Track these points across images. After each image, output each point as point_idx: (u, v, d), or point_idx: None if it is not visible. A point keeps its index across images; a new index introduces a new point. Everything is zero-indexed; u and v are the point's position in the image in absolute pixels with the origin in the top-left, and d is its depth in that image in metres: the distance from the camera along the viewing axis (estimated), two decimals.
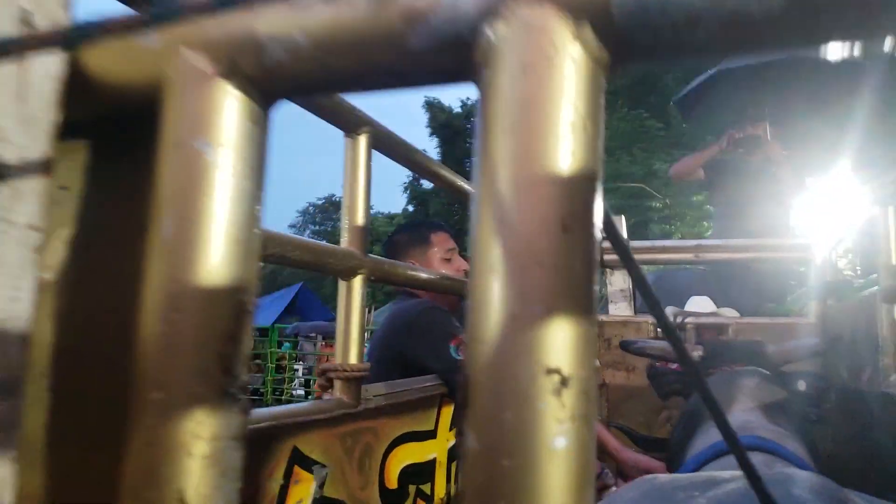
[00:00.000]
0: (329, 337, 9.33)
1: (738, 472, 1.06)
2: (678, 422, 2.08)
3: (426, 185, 25.09)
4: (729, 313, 3.48)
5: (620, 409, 3.23)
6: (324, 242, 1.35)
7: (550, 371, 0.33)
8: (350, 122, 1.40)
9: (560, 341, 0.33)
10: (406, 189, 25.57)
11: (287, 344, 11.12)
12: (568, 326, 0.33)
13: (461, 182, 1.95)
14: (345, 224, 1.44)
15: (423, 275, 1.75)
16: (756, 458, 1.32)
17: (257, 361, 10.49)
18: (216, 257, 0.41)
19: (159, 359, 0.40)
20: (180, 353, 0.40)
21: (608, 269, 3.43)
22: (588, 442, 0.34)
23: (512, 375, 0.33)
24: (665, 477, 1.08)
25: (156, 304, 0.41)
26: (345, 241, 1.43)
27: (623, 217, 3.48)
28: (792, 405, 1.78)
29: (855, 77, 4.41)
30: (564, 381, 0.33)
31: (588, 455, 0.34)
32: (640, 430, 3.23)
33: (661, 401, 2.60)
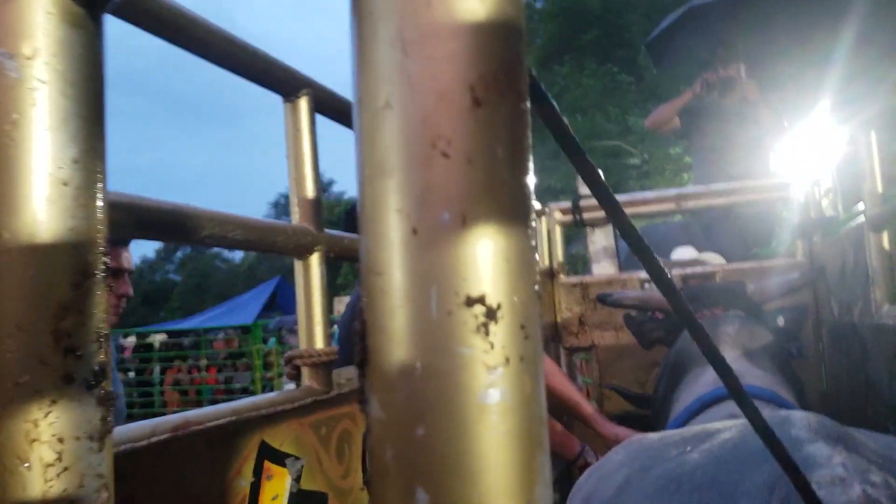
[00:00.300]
0: None
1: (728, 423, 0.99)
2: (660, 376, 2.02)
3: None
4: (715, 259, 3.42)
5: (612, 369, 3.17)
6: (271, 219, 1.24)
7: (471, 301, 0.24)
8: (288, 85, 1.29)
9: (481, 260, 0.24)
10: None
11: (272, 339, 10.98)
12: (490, 239, 0.24)
13: None
14: (293, 198, 1.34)
15: None
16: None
17: (244, 360, 10.35)
18: (36, 205, 0.31)
19: None
20: None
21: (589, 228, 3.35)
22: (533, 391, 0.25)
23: (419, 313, 0.24)
24: (654, 435, 1.01)
25: None
26: (295, 217, 1.33)
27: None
28: (774, 346, 1.71)
29: (832, 12, 4.32)
30: (491, 314, 0.24)
31: (534, 409, 0.25)
32: (633, 388, 3.17)
33: (646, 350, 2.53)
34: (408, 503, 0.23)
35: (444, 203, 0.24)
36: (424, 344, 0.24)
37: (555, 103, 0.35)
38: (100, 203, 0.33)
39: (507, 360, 0.24)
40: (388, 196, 0.24)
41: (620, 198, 3.35)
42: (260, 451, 1.13)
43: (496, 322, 0.24)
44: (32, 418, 0.29)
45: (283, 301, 14.44)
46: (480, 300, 0.24)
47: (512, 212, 0.25)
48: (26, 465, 0.29)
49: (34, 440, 0.29)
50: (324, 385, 1.31)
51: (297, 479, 1.23)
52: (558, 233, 3.27)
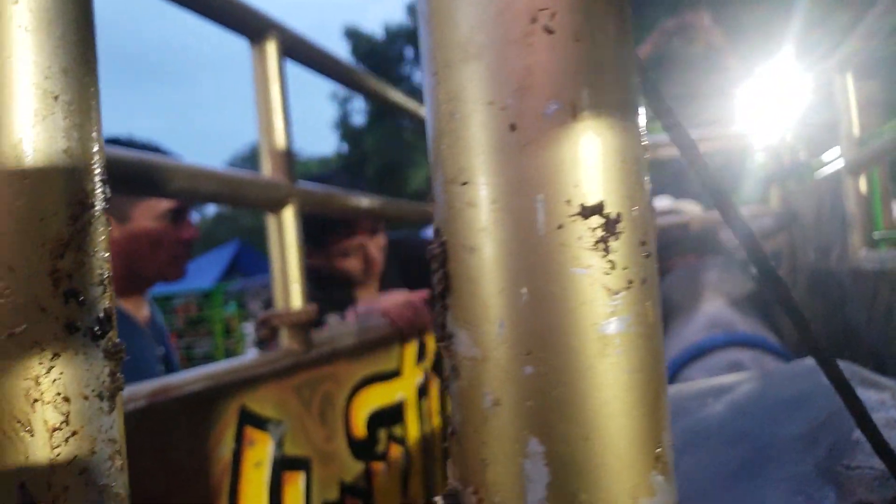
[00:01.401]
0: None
1: (741, 376, 0.98)
2: None
3: (358, 121, 24.37)
4: (691, 207, 3.44)
5: None
6: (242, 171, 1.16)
7: (587, 211, 0.20)
8: (254, 28, 1.20)
9: (596, 160, 0.20)
10: (337, 127, 24.63)
11: (233, 303, 10.79)
12: (604, 134, 0.20)
13: (390, 91, 1.77)
14: (263, 149, 1.26)
15: (365, 202, 1.58)
16: (745, 355, 1.25)
17: (204, 325, 10.17)
18: (22, 120, 0.26)
19: None
20: None
21: None
22: (656, 320, 0.21)
23: (522, 228, 0.20)
24: (669, 389, 0.99)
25: None
26: (266, 169, 1.25)
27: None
28: (755, 292, 1.72)
29: None
30: (611, 226, 0.20)
31: (657, 341, 0.21)
32: None
33: None
34: (518, 456, 0.19)
35: (549, 90, 0.19)
36: (530, 265, 0.19)
37: None
38: (95, 122, 0.28)
39: (630, 282, 0.20)
40: (475, 85, 0.20)
41: None
42: (241, 417, 1.09)
43: (616, 237, 0.20)
44: (33, 375, 0.24)
45: (244, 264, 14.15)
46: (597, 210, 0.20)
47: (625, 102, 0.20)
48: (28, 429, 0.24)
49: (36, 400, 0.24)
50: (303, 346, 1.26)
51: (279, 445, 1.19)
52: None
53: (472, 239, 0.20)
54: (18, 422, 0.25)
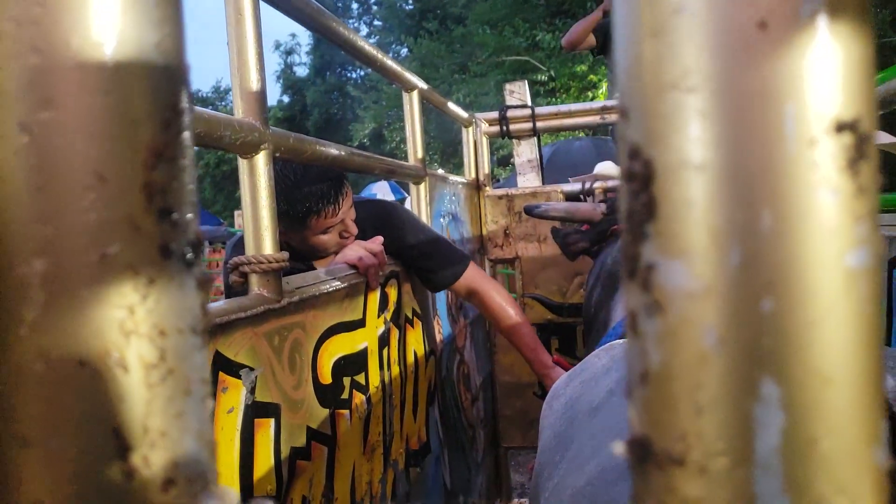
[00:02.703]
0: (216, 241, 8.84)
1: None
2: (594, 283, 2.04)
3: (300, 72, 23.70)
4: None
5: (535, 280, 3.21)
6: (215, 112, 1.10)
7: (842, 126, 0.17)
8: None
9: (852, 69, 0.17)
10: (279, 78, 23.94)
11: None
12: (860, 41, 0.18)
13: (360, 40, 1.70)
14: (236, 90, 1.20)
15: (334, 151, 1.53)
16: None
17: None
18: (112, 6, 0.22)
19: (30, 204, 0.22)
20: (69, 185, 0.21)
21: (515, 140, 3.31)
22: (884, 254, 0.19)
23: (767, 142, 0.17)
24: None
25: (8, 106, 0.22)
26: (239, 112, 1.19)
27: (526, 83, 3.33)
28: None
29: None
30: (862, 146, 0.17)
31: (879, 279, 0.19)
32: (555, 298, 3.23)
33: (571, 261, 2.56)
34: (747, 399, 0.17)
35: None
36: (774, 185, 0.17)
37: None
38: (182, 17, 0.24)
39: (872, 211, 0.18)
40: None
41: (547, 109, 3.31)
42: (214, 362, 1.05)
43: (865, 159, 0.17)
44: (127, 303, 0.21)
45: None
46: (853, 126, 0.17)
47: (866, 7, 0.18)
48: (122, 367, 0.21)
49: (131, 332, 0.21)
50: (274, 293, 1.22)
51: (251, 391, 1.16)
52: (485, 144, 3.20)
53: (699, 154, 0.17)
54: (111, 357, 0.21)
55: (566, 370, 1.49)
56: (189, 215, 0.24)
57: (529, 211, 2.51)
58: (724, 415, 0.17)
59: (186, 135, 0.24)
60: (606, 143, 5.26)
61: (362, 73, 21.22)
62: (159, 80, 0.23)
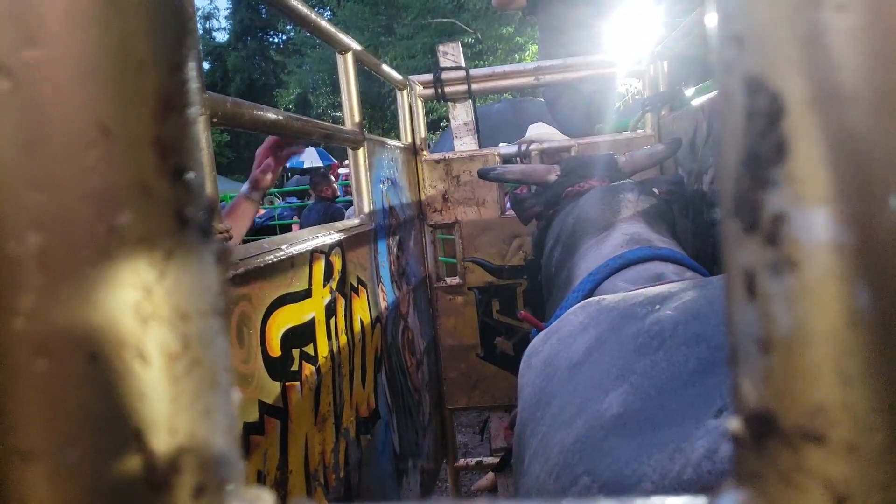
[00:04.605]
0: None
1: (683, 285, 1.00)
2: (553, 244, 2.04)
3: (220, 38, 22.87)
4: (555, 134, 3.51)
5: (474, 243, 3.21)
6: None
7: None
8: None
9: None
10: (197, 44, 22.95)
11: None
12: None
13: (292, 1, 1.62)
14: None
15: (272, 115, 1.46)
16: (668, 268, 1.28)
17: None
18: None
19: (17, 165, 0.17)
20: (66, 142, 0.18)
21: (451, 103, 3.26)
22: None
23: None
24: (613, 297, 0.99)
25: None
26: None
27: (459, 44, 3.28)
28: (666, 211, 1.77)
29: None
30: None
31: None
32: (495, 261, 3.24)
33: (524, 224, 2.57)
34: (848, 301, 0.15)
35: None
36: None
37: None
38: None
39: None
40: None
41: (481, 71, 3.28)
42: None
43: None
44: (142, 283, 0.17)
45: None
46: None
47: None
48: (141, 359, 0.17)
49: (148, 317, 0.17)
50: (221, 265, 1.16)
51: None
52: (420, 107, 3.15)
53: (850, 83, 0.15)
54: (126, 349, 0.18)
55: (536, 327, 1.49)
56: (203, 175, 0.20)
57: (485, 174, 2.49)
58: (881, 385, 0.15)
59: (196, 82, 0.20)
60: (523, 105, 5.27)
61: (284, 37, 20.62)
62: (166, 17, 0.19)
